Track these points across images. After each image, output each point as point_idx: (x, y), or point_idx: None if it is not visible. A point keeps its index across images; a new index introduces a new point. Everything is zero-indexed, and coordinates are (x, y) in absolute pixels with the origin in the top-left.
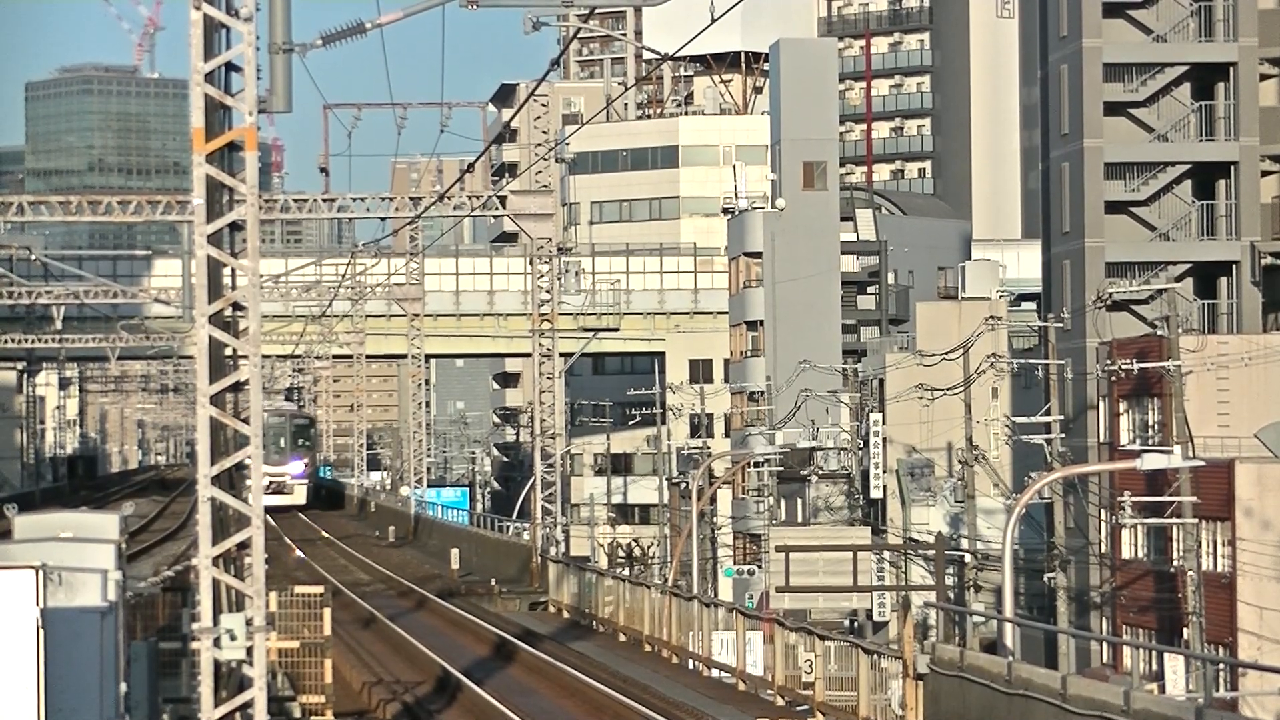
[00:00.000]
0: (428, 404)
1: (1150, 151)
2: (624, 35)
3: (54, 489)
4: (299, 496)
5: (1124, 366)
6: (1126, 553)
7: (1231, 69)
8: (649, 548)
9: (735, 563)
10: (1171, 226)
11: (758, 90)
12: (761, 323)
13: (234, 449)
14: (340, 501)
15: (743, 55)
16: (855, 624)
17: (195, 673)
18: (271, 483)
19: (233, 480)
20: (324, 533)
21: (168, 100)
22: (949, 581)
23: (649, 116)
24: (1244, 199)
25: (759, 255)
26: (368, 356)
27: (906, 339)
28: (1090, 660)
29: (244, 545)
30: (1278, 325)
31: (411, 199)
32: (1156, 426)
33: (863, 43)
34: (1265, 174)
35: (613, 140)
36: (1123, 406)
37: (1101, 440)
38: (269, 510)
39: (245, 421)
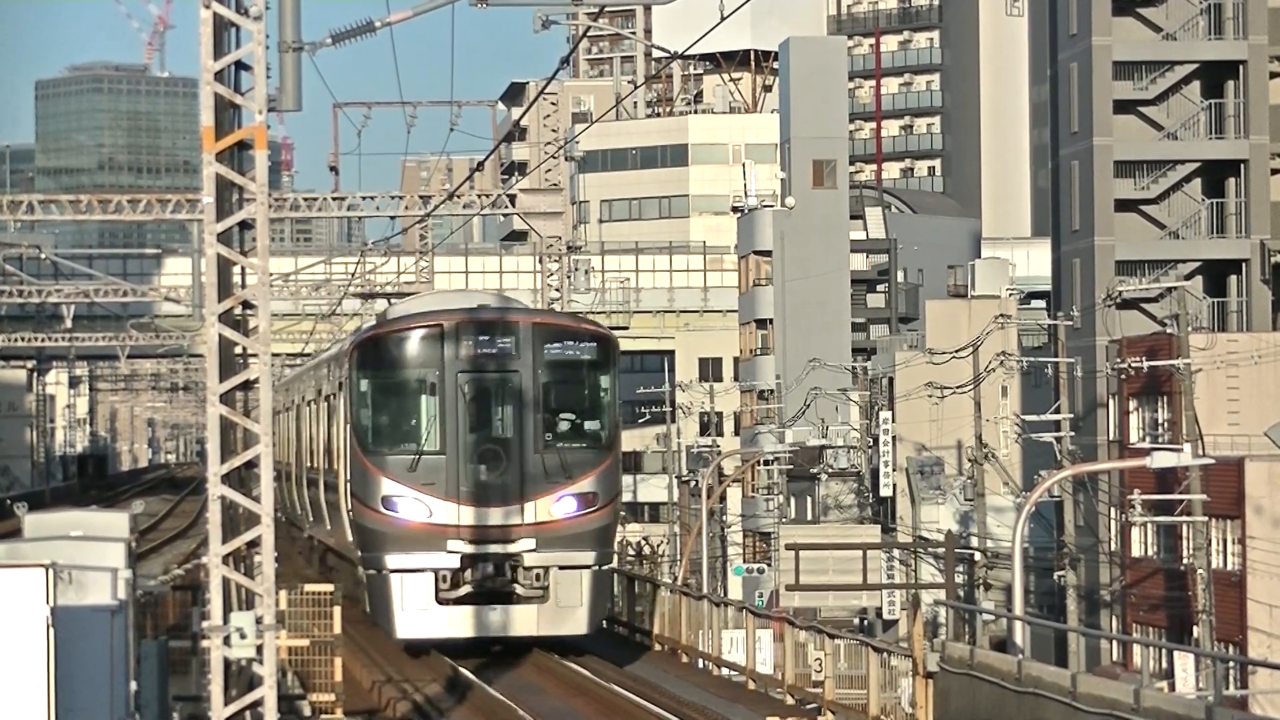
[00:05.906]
0: None
1: (1160, 149)
2: (633, 34)
3: (64, 487)
4: (573, 615)
5: (1134, 364)
6: (1136, 551)
7: (1241, 67)
8: (658, 546)
9: (745, 561)
10: (1181, 225)
11: (767, 88)
12: (771, 321)
13: (244, 447)
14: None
15: (752, 53)
16: (865, 622)
17: (205, 671)
18: (466, 564)
19: (243, 479)
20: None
21: (177, 99)
22: (959, 580)
23: (658, 115)
24: (1254, 197)
25: (768, 253)
26: None
27: (916, 337)
28: (1100, 658)
29: (254, 544)
30: None
31: (421, 197)
32: (1166, 424)
33: (872, 41)
34: (1275, 172)
35: (622, 139)
36: (1132, 404)
37: (1111, 438)
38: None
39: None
